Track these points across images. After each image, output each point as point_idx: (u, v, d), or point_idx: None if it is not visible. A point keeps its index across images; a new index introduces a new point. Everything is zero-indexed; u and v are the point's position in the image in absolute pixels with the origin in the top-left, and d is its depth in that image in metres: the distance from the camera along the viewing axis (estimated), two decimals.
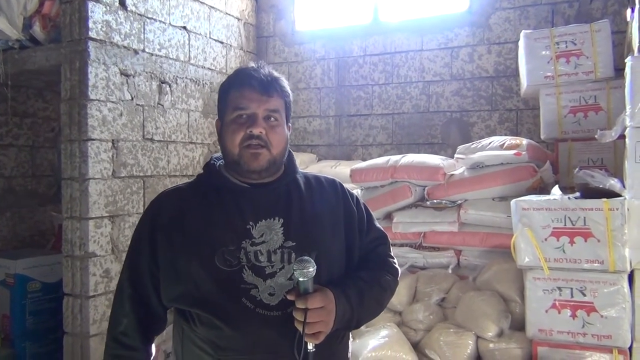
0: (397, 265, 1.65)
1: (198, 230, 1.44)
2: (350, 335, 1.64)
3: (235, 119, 1.45)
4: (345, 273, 1.51)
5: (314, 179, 1.60)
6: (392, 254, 1.66)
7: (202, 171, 1.60)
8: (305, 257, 1.32)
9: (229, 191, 1.48)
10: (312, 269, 1.30)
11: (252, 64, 1.52)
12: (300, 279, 1.31)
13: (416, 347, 2.84)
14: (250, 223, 1.43)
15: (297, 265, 1.31)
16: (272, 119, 1.45)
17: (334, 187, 1.60)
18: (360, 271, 1.53)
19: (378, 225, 1.67)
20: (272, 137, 1.44)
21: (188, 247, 1.42)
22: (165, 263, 1.45)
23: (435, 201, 3.27)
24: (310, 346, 1.32)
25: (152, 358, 1.57)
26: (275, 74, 1.51)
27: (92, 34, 3.06)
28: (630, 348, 2.43)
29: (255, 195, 1.47)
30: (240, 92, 1.46)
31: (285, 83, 1.52)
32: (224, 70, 4.21)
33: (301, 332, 1.31)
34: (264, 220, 1.43)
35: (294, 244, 1.42)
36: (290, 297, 1.34)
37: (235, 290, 1.38)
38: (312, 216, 1.49)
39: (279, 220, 1.44)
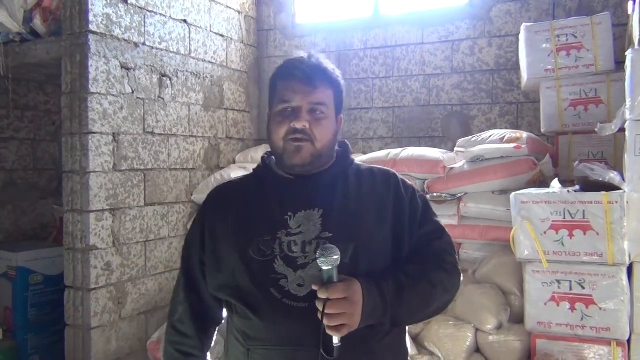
0: (457, 263, 1.51)
1: (238, 221, 1.46)
2: (408, 338, 1.54)
3: (280, 112, 1.43)
4: (391, 268, 1.42)
5: (367, 170, 1.54)
6: (452, 250, 1.52)
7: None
8: (330, 245, 1.27)
9: (273, 183, 1.49)
10: (336, 257, 1.24)
11: (301, 54, 1.49)
12: (324, 268, 1.25)
13: (415, 339, 2.85)
14: (289, 213, 1.41)
15: (321, 252, 1.25)
16: (318, 112, 1.41)
17: (386, 178, 1.52)
18: (407, 266, 1.42)
19: (436, 219, 1.55)
20: (317, 130, 1.40)
21: (228, 237, 1.45)
22: (209, 253, 1.48)
23: (435, 194, 3.27)
24: (335, 340, 1.25)
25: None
26: (324, 64, 1.46)
27: (92, 27, 3.06)
28: (628, 340, 2.45)
29: (298, 186, 1.46)
30: (285, 84, 1.44)
31: (334, 73, 1.48)
32: (225, 64, 4.21)
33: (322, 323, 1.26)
34: (303, 211, 1.41)
35: (330, 235, 1.38)
36: (314, 287, 1.28)
37: (265, 280, 1.37)
38: (354, 208, 1.44)
39: (318, 211, 1.41)
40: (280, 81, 1.46)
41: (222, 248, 1.46)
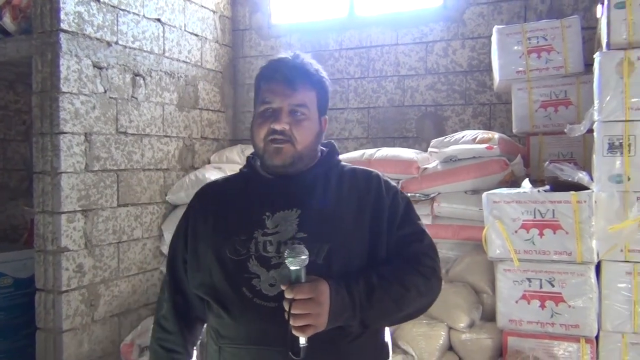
0: (437, 267, 1.47)
1: (218, 220, 1.47)
2: (388, 341, 1.52)
3: (261, 113, 1.44)
4: (365, 269, 1.40)
5: (349, 171, 1.54)
6: (432, 254, 1.48)
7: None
8: (298, 245, 1.26)
9: (255, 183, 1.50)
10: (304, 257, 1.24)
11: (283, 55, 1.48)
12: (292, 268, 1.24)
13: None
14: (267, 213, 1.42)
15: (289, 252, 1.24)
16: (298, 113, 1.41)
17: (367, 179, 1.51)
18: (381, 267, 1.39)
19: (418, 222, 1.52)
20: (297, 132, 1.41)
21: (207, 236, 1.47)
22: (191, 252, 1.49)
23: (409, 194, 3.29)
24: (302, 340, 1.25)
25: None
26: (307, 65, 1.46)
27: (63, 26, 3.02)
28: (597, 337, 2.50)
29: (279, 186, 1.46)
30: (267, 85, 1.44)
31: (318, 74, 1.47)
32: (199, 64, 4.18)
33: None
34: (281, 211, 1.42)
35: (305, 235, 1.38)
36: (282, 287, 1.27)
37: (238, 279, 1.38)
38: (332, 209, 1.43)
39: (295, 212, 1.41)
40: (263, 82, 1.47)
41: (201, 247, 1.47)
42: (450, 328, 2.77)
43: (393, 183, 1.55)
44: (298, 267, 1.25)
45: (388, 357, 1.53)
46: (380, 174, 1.55)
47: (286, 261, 1.25)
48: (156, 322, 1.59)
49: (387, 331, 1.54)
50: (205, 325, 1.60)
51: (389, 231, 1.45)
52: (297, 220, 1.40)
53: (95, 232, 3.22)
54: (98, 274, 3.26)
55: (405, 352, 2.75)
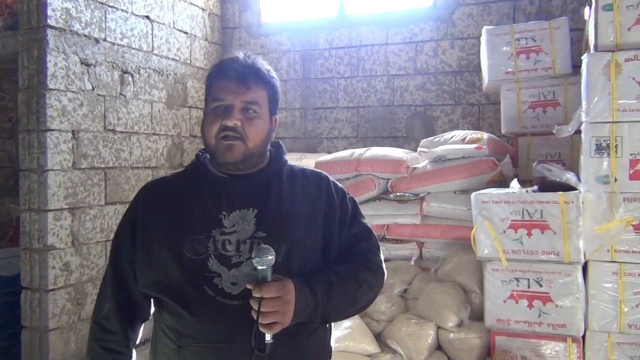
0: (381, 263, 1.56)
1: (172, 218, 1.46)
2: (333, 337, 1.59)
3: (213, 110, 1.44)
4: (321, 267, 1.46)
5: (299, 172, 1.57)
6: (377, 251, 1.58)
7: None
8: (265, 246, 1.29)
9: (208, 181, 1.49)
10: (270, 257, 1.27)
11: (236, 54, 1.49)
12: (259, 267, 1.27)
13: (378, 337, 2.88)
14: (224, 213, 1.42)
15: (256, 253, 1.27)
16: (250, 110, 1.42)
17: (318, 180, 1.56)
18: (336, 266, 1.46)
19: (364, 221, 1.60)
20: (249, 129, 1.42)
21: (160, 234, 1.45)
22: (140, 249, 1.47)
23: (398, 194, 3.30)
24: (267, 337, 1.29)
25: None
26: (259, 64, 1.47)
27: (51, 22, 2.99)
28: (583, 337, 2.52)
29: (233, 185, 1.47)
30: (219, 83, 1.45)
31: (269, 74, 1.48)
32: (189, 61, 4.16)
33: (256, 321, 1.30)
34: (238, 211, 1.43)
35: (264, 234, 1.40)
36: (249, 286, 1.29)
37: (199, 278, 1.38)
38: (288, 209, 1.46)
39: (252, 211, 1.43)
40: (215, 80, 1.47)
41: (154, 245, 1.45)
42: (438, 327, 2.78)
43: (340, 184, 1.61)
44: (265, 267, 1.28)
45: (331, 356, 1.58)
46: (328, 175, 1.61)
47: (253, 261, 1.28)
48: (96, 322, 1.55)
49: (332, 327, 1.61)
50: (143, 325, 1.60)
51: (339, 230, 1.51)
52: (255, 219, 1.42)
53: (82, 231, 3.19)
54: (85, 272, 3.23)
55: (394, 351, 2.76)
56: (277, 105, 1.54)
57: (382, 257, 1.58)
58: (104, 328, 1.53)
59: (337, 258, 1.50)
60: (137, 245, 1.48)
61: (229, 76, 1.43)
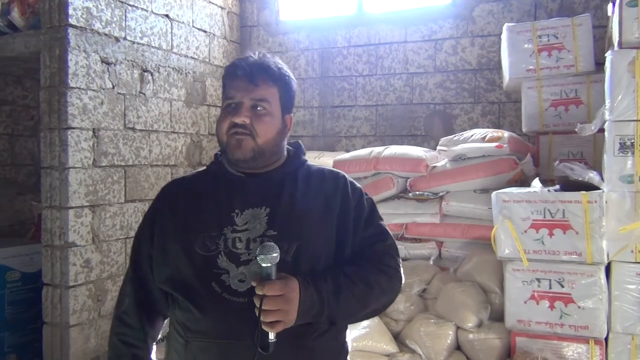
0: (398, 267, 1.52)
1: (187, 216, 1.49)
2: (348, 340, 1.56)
3: (225, 108, 1.48)
4: (331, 268, 1.44)
5: (317, 171, 1.57)
6: (393, 253, 1.54)
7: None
8: (270, 243, 1.29)
9: (224, 180, 1.51)
10: (275, 255, 1.27)
11: (248, 53, 1.52)
12: (263, 265, 1.27)
13: (397, 337, 2.86)
14: (236, 211, 1.44)
15: (261, 250, 1.28)
16: (259, 107, 1.44)
17: (335, 180, 1.55)
18: (346, 266, 1.44)
19: (381, 222, 1.57)
20: (258, 126, 1.43)
21: (175, 231, 1.48)
22: (157, 246, 1.50)
23: (417, 193, 3.28)
24: (271, 336, 1.28)
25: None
26: (268, 62, 1.49)
27: (72, 21, 3.02)
28: (606, 339, 2.48)
29: (247, 184, 1.48)
30: (230, 82, 1.48)
31: (278, 71, 1.50)
32: (207, 60, 4.17)
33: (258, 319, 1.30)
34: (250, 209, 1.44)
35: (275, 233, 1.40)
36: (253, 283, 1.30)
37: (207, 275, 1.40)
38: (300, 208, 1.46)
39: (265, 210, 1.44)
40: (227, 79, 1.51)
41: (169, 242, 1.48)
42: (458, 327, 2.76)
43: (358, 185, 1.59)
44: (269, 265, 1.28)
45: (347, 356, 1.56)
46: (346, 175, 1.59)
47: (257, 258, 1.28)
48: (117, 317, 1.59)
49: (348, 330, 1.58)
50: (167, 321, 1.61)
51: (354, 231, 1.49)
52: (267, 218, 1.43)
53: (102, 228, 3.22)
54: (105, 269, 3.26)
55: (412, 351, 2.74)
56: (291, 103, 1.55)
57: (400, 261, 1.55)
58: (123, 322, 1.56)
59: (351, 260, 1.48)
60: (154, 243, 1.52)
61: (239, 75, 1.46)
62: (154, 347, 1.62)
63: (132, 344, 1.55)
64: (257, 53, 1.51)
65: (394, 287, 1.50)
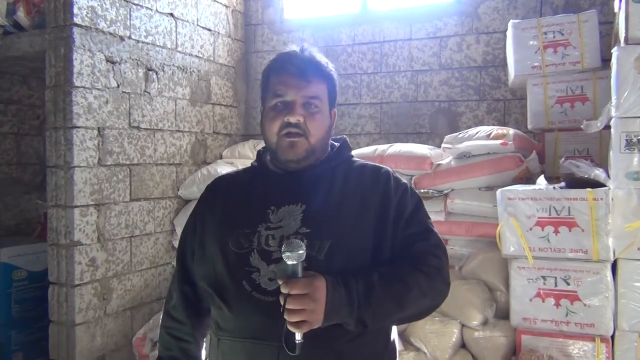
0: (442, 267, 1.41)
1: (224, 213, 1.48)
2: (396, 342, 1.48)
3: (273, 107, 1.41)
4: (366, 267, 1.36)
5: (358, 167, 1.50)
6: (438, 253, 1.42)
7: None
8: (296, 240, 1.25)
9: (262, 177, 1.50)
10: (301, 252, 1.22)
11: (293, 48, 1.47)
12: (288, 262, 1.22)
13: (401, 335, 2.86)
14: (272, 208, 1.41)
15: (286, 246, 1.22)
16: (312, 106, 1.40)
17: (376, 175, 1.47)
18: (382, 266, 1.35)
19: (427, 220, 1.48)
20: (311, 125, 1.39)
21: (213, 228, 1.47)
22: (198, 243, 1.50)
23: (422, 190, 3.27)
24: (298, 336, 1.22)
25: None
26: (317, 58, 1.45)
27: (77, 20, 3.02)
28: (612, 336, 2.47)
29: (285, 181, 1.45)
30: (279, 78, 1.42)
31: (328, 67, 1.46)
32: (212, 58, 4.18)
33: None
34: (286, 206, 1.40)
35: (308, 230, 1.35)
36: (279, 282, 1.25)
37: (239, 272, 1.37)
38: (337, 205, 1.40)
39: (300, 206, 1.40)
40: (274, 75, 1.44)
41: (208, 239, 1.47)
42: (463, 325, 2.75)
43: (404, 180, 1.51)
44: (295, 262, 1.23)
45: (395, 357, 1.48)
46: (390, 170, 1.51)
47: (283, 255, 1.23)
48: (166, 312, 1.59)
49: (395, 331, 1.49)
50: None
51: (394, 231, 1.41)
52: (301, 215, 1.39)
53: (107, 226, 3.23)
54: (111, 267, 3.27)
55: (417, 349, 2.74)
56: (336, 98, 1.51)
57: (445, 262, 1.43)
58: (172, 317, 1.57)
59: (390, 259, 1.39)
60: (196, 239, 1.51)
61: (289, 71, 1.41)
62: (204, 342, 1.62)
63: (181, 338, 1.55)
64: (301, 48, 1.46)
65: (435, 288, 1.38)
